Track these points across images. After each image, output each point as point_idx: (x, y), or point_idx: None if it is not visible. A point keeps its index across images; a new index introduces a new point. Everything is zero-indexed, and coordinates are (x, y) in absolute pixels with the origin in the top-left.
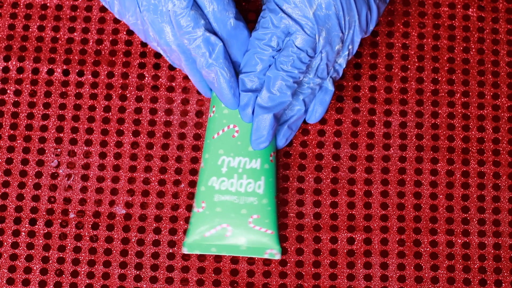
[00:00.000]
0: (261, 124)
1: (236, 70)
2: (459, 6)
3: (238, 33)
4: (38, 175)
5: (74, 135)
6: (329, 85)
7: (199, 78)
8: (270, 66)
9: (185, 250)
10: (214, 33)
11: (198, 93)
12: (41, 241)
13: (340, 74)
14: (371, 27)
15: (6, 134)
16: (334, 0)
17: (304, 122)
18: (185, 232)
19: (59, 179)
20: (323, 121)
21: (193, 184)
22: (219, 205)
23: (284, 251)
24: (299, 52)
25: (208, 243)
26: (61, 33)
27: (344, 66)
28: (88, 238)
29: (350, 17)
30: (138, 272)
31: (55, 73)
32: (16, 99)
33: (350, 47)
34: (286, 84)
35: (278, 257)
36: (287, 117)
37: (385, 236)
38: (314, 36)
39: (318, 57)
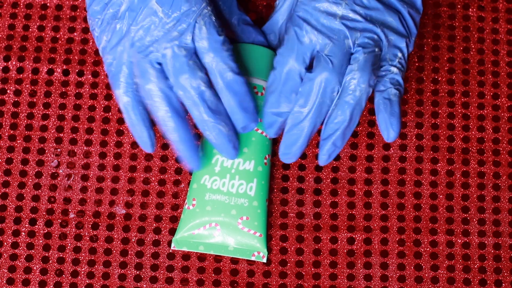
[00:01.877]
0: (289, 141)
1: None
2: (459, 6)
3: (236, 87)
4: (38, 175)
5: (74, 135)
6: (392, 96)
7: (183, 134)
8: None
9: (173, 246)
10: (211, 85)
11: None
12: (41, 241)
13: (402, 84)
14: (412, 37)
15: (6, 134)
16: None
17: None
18: None
19: (59, 179)
20: None
21: None
22: (209, 204)
23: (284, 251)
24: (330, 61)
25: (196, 241)
26: (61, 33)
27: (400, 75)
28: (88, 238)
29: (383, 21)
30: (138, 272)
31: (55, 73)
32: (16, 99)
33: (399, 54)
34: (317, 99)
35: (264, 260)
36: (332, 131)
37: (385, 236)
38: (343, 42)
39: (357, 60)
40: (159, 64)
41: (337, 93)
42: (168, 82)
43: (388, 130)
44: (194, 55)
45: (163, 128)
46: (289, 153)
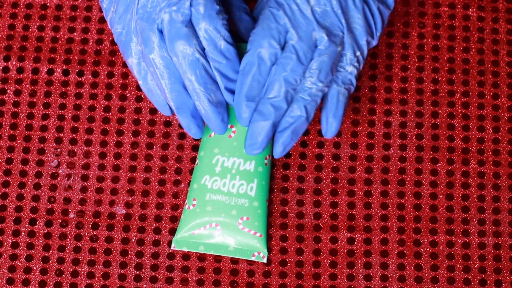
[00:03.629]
0: (256, 130)
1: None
2: (459, 6)
3: (228, 55)
4: (38, 175)
5: (74, 135)
6: (340, 96)
7: (183, 101)
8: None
9: (173, 246)
10: (204, 54)
11: None
12: (41, 241)
13: (354, 83)
14: (377, 33)
15: (6, 134)
16: None
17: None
18: None
19: (59, 179)
20: None
21: None
22: (210, 204)
23: (284, 251)
24: (296, 52)
25: (197, 241)
26: (61, 33)
27: (355, 74)
28: (88, 238)
29: (349, 17)
30: (138, 272)
31: (55, 73)
32: (16, 99)
33: (357, 53)
34: (282, 88)
35: (264, 260)
36: (287, 124)
37: (385, 236)
38: (311, 34)
39: (318, 58)
40: (161, 31)
41: (299, 83)
42: None
43: (326, 129)
44: (190, 23)
45: (164, 95)
46: (255, 143)
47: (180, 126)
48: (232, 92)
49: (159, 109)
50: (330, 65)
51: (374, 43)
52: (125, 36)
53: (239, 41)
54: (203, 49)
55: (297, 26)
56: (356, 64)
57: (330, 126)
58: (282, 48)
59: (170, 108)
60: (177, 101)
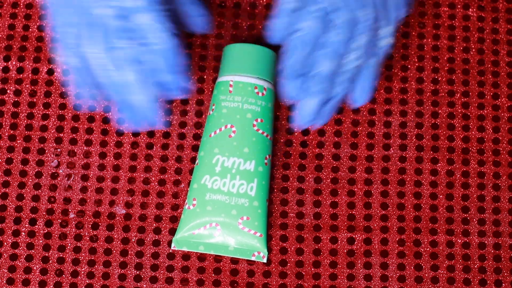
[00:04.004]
0: (305, 107)
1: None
2: (459, 6)
3: (165, 46)
4: (38, 175)
5: (74, 135)
6: (372, 68)
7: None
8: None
9: (173, 246)
10: (143, 47)
11: (198, 92)
12: (41, 241)
13: (384, 55)
14: (406, 6)
15: (6, 134)
16: None
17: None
18: None
19: (59, 179)
20: None
21: None
22: (210, 204)
23: (284, 251)
24: (339, 32)
25: (197, 241)
26: None
27: (387, 47)
28: (88, 238)
29: None
30: (138, 272)
31: (55, 73)
32: (16, 99)
33: (390, 27)
34: (327, 67)
35: (264, 260)
36: (329, 98)
37: (385, 236)
38: (351, 14)
39: (358, 36)
40: (99, 26)
41: (342, 61)
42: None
43: (357, 98)
44: (131, 16)
45: (107, 88)
46: (305, 120)
47: (180, 126)
48: (165, 87)
49: (85, 105)
50: (369, 42)
51: (403, 15)
52: (62, 27)
53: (237, 41)
54: (142, 41)
55: (339, 7)
56: (388, 37)
57: (361, 95)
58: (325, 28)
59: (93, 105)
60: (117, 95)
